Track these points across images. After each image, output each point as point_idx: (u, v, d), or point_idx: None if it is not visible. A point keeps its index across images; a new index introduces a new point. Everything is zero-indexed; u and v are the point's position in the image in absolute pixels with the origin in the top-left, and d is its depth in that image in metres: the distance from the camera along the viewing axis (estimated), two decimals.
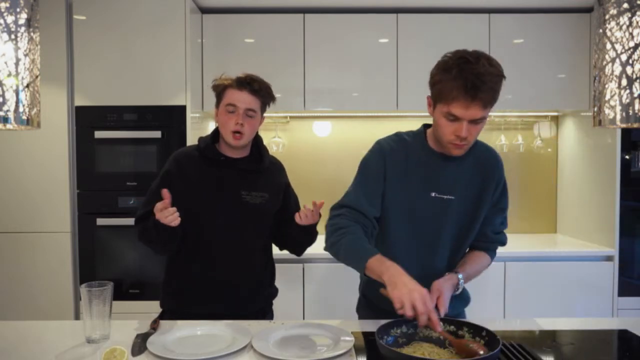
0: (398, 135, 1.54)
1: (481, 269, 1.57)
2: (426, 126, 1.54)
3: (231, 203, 1.67)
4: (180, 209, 1.55)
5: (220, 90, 1.69)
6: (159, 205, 1.51)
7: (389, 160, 1.47)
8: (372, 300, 1.58)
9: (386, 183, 1.47)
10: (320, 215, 1.67)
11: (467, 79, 1.28)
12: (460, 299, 1.56)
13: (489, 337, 1.20)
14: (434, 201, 1.46)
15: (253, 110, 1.67)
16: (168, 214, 1.50)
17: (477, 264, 1.54)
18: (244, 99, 1.65)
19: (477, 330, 1.24)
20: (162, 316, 1.69)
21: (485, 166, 1.52)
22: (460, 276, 1.44)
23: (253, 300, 1.74)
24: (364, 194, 1.47)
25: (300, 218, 1.64)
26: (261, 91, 1.68)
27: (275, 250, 1.86)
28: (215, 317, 1.51)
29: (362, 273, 1.36)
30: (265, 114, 1.77)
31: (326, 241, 1.47)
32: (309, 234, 1.72)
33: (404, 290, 1.22)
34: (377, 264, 1.31)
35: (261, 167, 1.75)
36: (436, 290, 1.36)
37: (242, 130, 1.64)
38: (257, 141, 1.78)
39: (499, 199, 1.55)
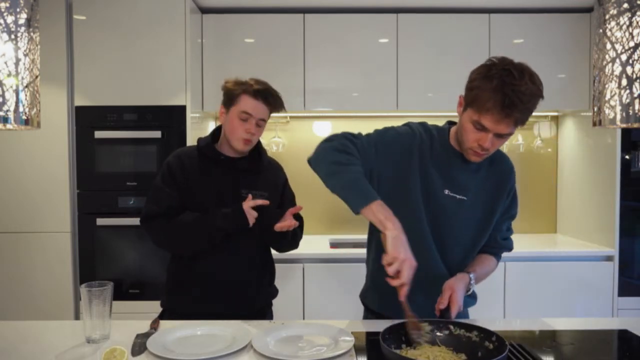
0: (425, 126, 1.52)
1: (489, 272, 1.58)
2: (450, 123, 1.54)
3: (232, 202, 1.67)
4: (188, 205, 1.66)
5: (234, 95, 1.68)
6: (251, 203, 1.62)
7: (416, 148, 1.45)
8: (378, 286, 1.57)
9: (410, 169, 1.44)
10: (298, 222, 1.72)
11: (507, 94, 1.24)
12: (469, 298, 1.56)
13: (498, 342, 1.19)
14: (447, 199, 1.46)
15: (264, 120, 1.71)
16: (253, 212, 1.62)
17: (486, 266, 1.55)
18: (258, 109, 1.67)
19: (487, 335, 1.23)
20: (162, 316, 1.69)
21: (500, 174, 1.52)
22: (471, 276, 1.45)
23: (253, 300, 1.74)
24: (376, 151, 1.43)
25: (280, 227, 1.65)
26: (275, 103, 1.71)
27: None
28: (215, 317, 1.51)
29: (357, 209, 1.28)
30: None
31: (326, 154, 1.39)
32: (285, 238, 1.74)
33: (402, 254, 1.21)
34: (383, 209, 1.27)
35: (260, 166, 1.76)
36: (448, 288, 1.37)
37: (251, 138, 1.68)
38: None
39: (510, 207, 1.56)
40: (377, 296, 1.60)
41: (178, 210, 1.67)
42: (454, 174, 1.47)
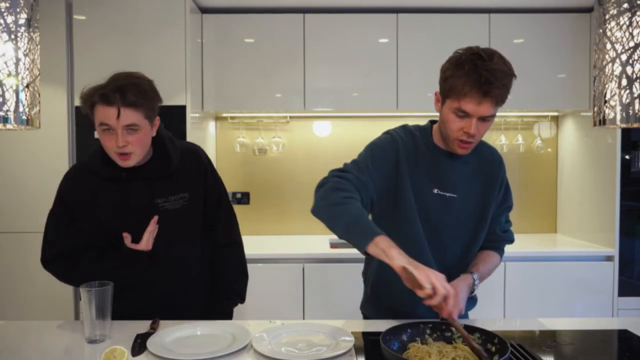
0: (406, 128, 1.53)
1: (493, 268, 1.56)
2: (433, 122, 1.53)
3: (148, 216, 1.49)
4: (92, 239, 1.49)
5: (90, 108, 1.40)
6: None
7: (401, 152, 1.45)
8: (381, 296, 1.57)
9: (399, 172, 1.44)
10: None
11: (481, 74, 1.27)
12: (470, 300, 1.56)
13: (500, 345, 1.18)
14: (437, 198, 1.46)
15: (134, 124, 1.39)
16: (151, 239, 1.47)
17: (489, 263, 1.54)
18: (111, 115, 1.36)
19: (489, 337, 1.22)
20: None
21: (489, 167, 1.52)
22: (475, 277, 1.44)
23: (192, 310, 1.60)
24: (369, 172, 1.42)
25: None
26: (138, 101, 1.39)
27: (275, 249, 1.83)
28: None
29: (362, 248, 1.26)
30: (265, 114, 1.69)
31: (322, 198, 1.34)
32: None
33: (431, 273, 1.18)
34: (386, 243, 1.23)
35: (171, 167, 1.52)
36: None
37: (127, 150, 1.41)
38: (158, 140, 1.53)
39: (505, 198, 1.56)
40: (377, 308, 1.58)
41: (79, 247, 1.50)
42: (441, 172, 1.46)
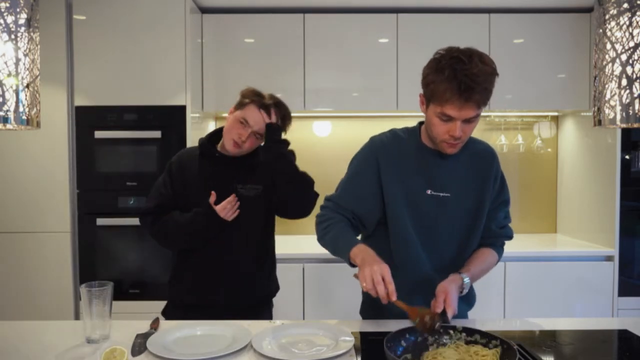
0: (392, 132, 1.54)
1: (489, 267, 1.55)
2: (421, 123, 1.53)
3: (227, 195, 1.70)
4: (181, 203, 1.73)
5: (245, 102, 1.73)
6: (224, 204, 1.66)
7: (380, 155, 1.48)
8: (376, 301, 1.56)
9: (382, 178, 1.47)
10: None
11: (461, 80, 1.27)
12: (467, 300, 1.55)
13: (505, 345, 1.16)
14: (431, 199, 1.46)
15: (261, 134, 1.72)
16: (230, 211, 1.67)
17: (483, 262, 1.53)
18: (258, 121, 1.69)
19: (490, 339, 1.21)
20: (165, 309, 1.79)
21: (481, 162, 1.52)
22: (464, 277, 1.43)
23: (246, 292, 1.75)
24: (350, 191, 1.51)
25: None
26: (276, 121, 1.72)
27: (275, 249, 1.86)
28: (213, 308, 1.66)
29: (349, 263, 1.41)
30: None
31: (317, 235, 1.54)
32: (290, 182, 1.71)
33: (367, 270, 1.28)
34: (356, 251, 1.37)
35: (255, 161, 1.77)
36: (442, 292, 1.35)
37: (242, 145, 1.70)
38: None
39: (500, 193, 1.55)
40: (375, 311, 1.57)
41: (170, 209, 1.74)
42: (433, 172, 1.47)
